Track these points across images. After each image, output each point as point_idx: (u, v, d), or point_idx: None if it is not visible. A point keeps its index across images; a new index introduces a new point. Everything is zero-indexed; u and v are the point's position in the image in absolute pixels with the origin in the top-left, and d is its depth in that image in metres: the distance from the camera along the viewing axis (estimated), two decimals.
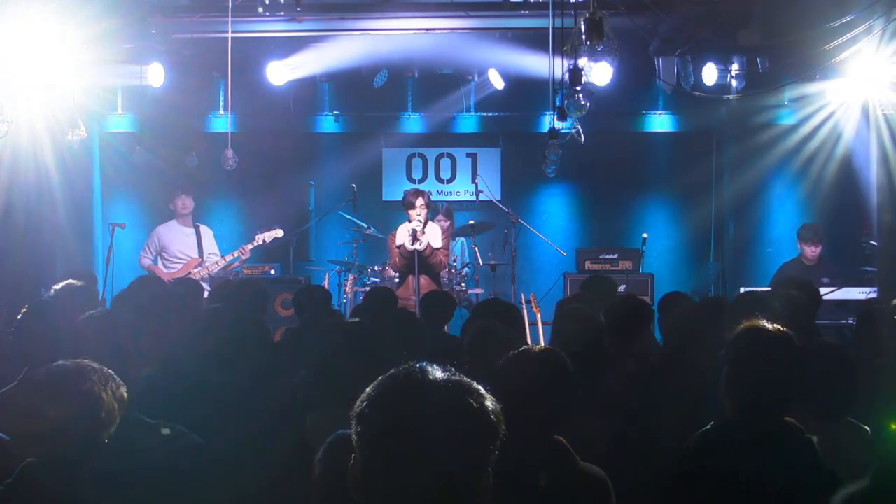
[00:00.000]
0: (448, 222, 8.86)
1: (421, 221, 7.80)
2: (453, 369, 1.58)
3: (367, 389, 1.56)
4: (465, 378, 1.57)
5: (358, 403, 1.55)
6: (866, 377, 4.06)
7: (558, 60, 6.77)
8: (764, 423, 2.55)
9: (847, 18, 6.23)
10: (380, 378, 1.57)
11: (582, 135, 7.33)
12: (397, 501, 1.50)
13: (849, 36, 6.48)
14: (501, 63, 9.55)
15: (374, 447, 1.52)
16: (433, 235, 7.98)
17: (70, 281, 4.87)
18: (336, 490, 1.97)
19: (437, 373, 1.56)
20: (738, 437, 2.55)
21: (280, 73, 9.35)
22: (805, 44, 6.61)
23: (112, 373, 2.48)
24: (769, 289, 6.15)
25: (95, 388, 2.39)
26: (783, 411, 2.58)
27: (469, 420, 1.52)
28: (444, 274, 8.38)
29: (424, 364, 1.57)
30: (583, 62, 6.39)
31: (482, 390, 1.57)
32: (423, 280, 7.81)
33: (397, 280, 8.51)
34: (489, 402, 1.55)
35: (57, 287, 4.69)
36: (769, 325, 2.67)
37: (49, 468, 2.28)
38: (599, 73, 8.10)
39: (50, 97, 8.07)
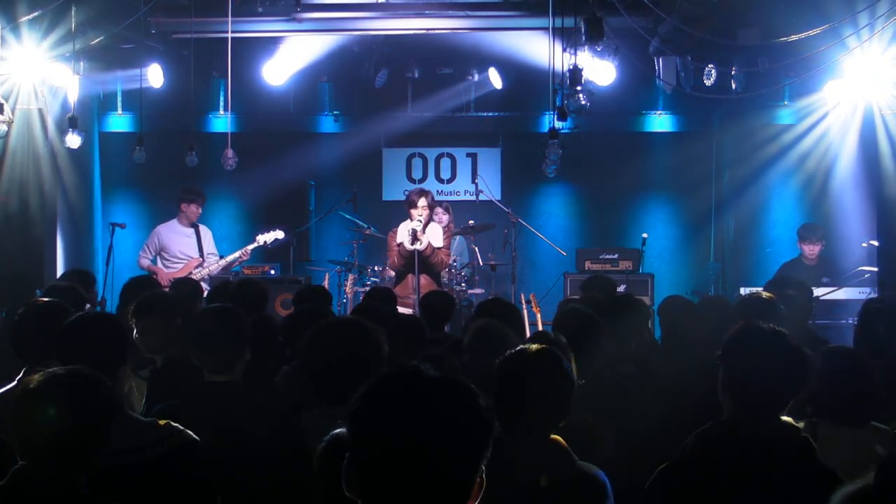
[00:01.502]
0: (448, 216, 8.85)
1: (422, 221, 7.78)
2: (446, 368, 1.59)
3: (362, 388, 1.57)
4: (457, 377, 1.59)
5: (352, 402, 1.56)
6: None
7: (558, 60, 6.77)
8: (759, 421, 2.55)
9: (847, 18, 6.22)
10: (373, 377, 1.58)
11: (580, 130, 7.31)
12: (391, 500, 1.51)
13: (849, 35, 6.47)
14: (502, 62, 9.57)
15: (368, 446, 1.52)
16: (434, 235, 7.96)
17: (56, 283, 4.86)
18: (337, 487, 1.99)
19: (430, 372, 1.57)
20: (735, 436, 2.55)
21: (279, 72, 9.35)
22: (805, 44, 6.59)
23: (105, 378, 2.47)
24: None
25: (88, 395, 2.37)
26: (779, 410, 2.58)
27: (462, 418, 1.53)
28: (444, 274, 8.37)
29: (417, 363, 1.58)
30: (583, 62, 6.39)
31: (474, 388, 1.58)
32: (423, 279, 7.79)
33: (395, 278, 8.51)
34: (481, 401, 1.57)
35: (44, 289, 4.68)
36: (764, 324, 2.68)
37: (41, 473, 2.28)
38: (602, 72, 8.11)
39: (50, 97, 8.09)
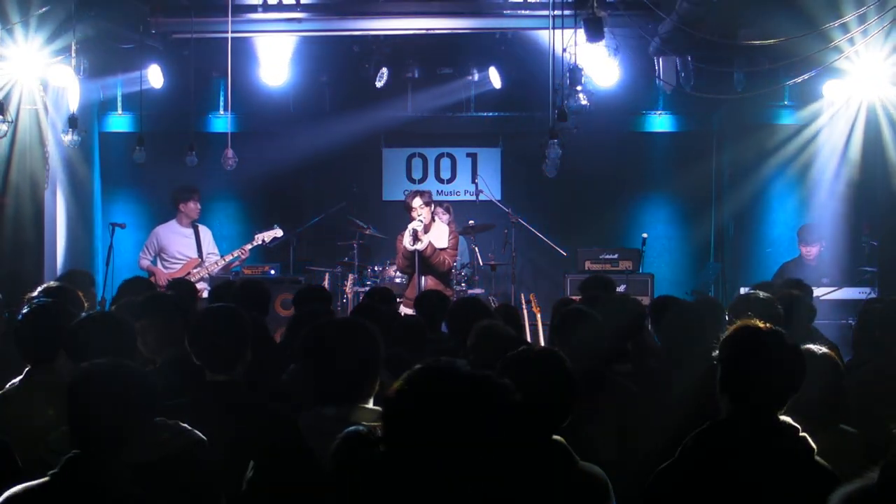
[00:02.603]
0: (447, 216, 8.85)
1: (422, 221, 7.78)
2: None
3: (398, 384, 1.59)
4: (490, 374, 1.62)
5: (389, 398, 1.57)
6: (867, 376, 4.07)
7: (558, 60, 6.78)
8: (758, 421, 2.55)
9: (847, 18, 6.23)
10: (408, 373, 1.59)
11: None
12: (427, 495, 1.51)
13: (849, 35, 6.48)
14: (502, 62, 9.57)
15: (404, 441, 1.53)
16: (439, 236, 7.95)
17: (50, 283, 4.84)
18: (351, 483, 2.03)
19: (465, 368, 1.60)
20: (733, 436, 2.55)
21: (278, 72, 9.34)
22: (805, 43, 6.60)
23: (149, 371, 2.54)
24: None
25: (136, 386, 2.48)
26: (777, 409, 2.58)
27: (496, 414, 1.56)
28: None
29: (451, 360, 1.61)
30: (585, 63, 6.41)
31: (509, 385, 1.61)
32: (430, 280, 7.79)
33: (399, 280, 8.51)
34: (517, 397, 1.60)
35: (40, 289, 4.65)
36: (761, 324, 2.68)
37: (92, 461, 2.36)
38: (605, 74, 8.12)
39: (50, 97, 8.10)
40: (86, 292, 5.23)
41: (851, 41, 6.57)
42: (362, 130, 10.35)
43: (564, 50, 6.60)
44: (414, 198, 7.89)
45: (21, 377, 3.48)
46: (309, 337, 2.94)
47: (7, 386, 3.52)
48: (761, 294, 4.70)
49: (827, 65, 7.19)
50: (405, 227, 7.90)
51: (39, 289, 4.61)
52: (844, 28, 6.40)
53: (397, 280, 8.56)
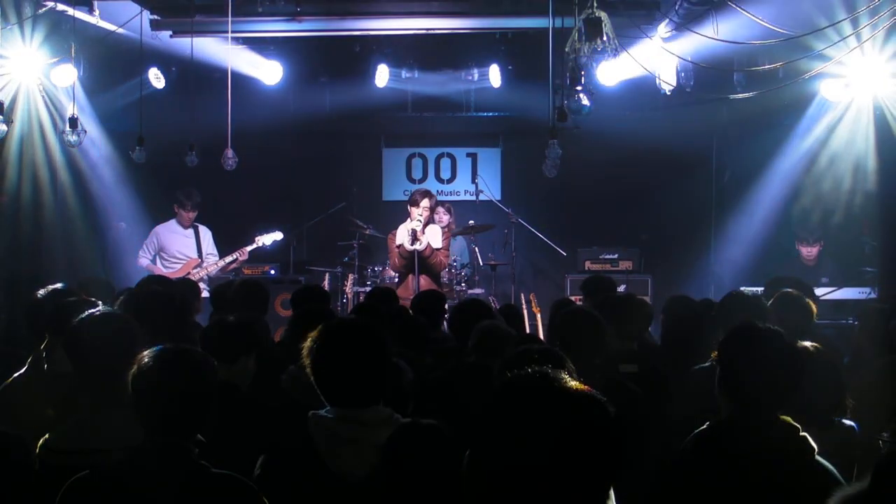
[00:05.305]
0: (448, 216, 8.85)
1: (421, 221, 7.79)
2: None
3: (493, 393, 1.54)
4: (589, 390, 1.56)
5: (485, 408, 1.52)
6: (868, 377, 4.07)
7: (558, 60, 6.77)
8: (758, 421, 2.55)
9: (849, 17, 6.22)
10: (501, 382, 1.55)
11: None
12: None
13: (850, 35, 6.47)
14: (502, 61, 9.57)
15: (497, 456, 1.48)
16: (433, 236, 7.96)
17: (57, 286, 4.84)
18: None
19: (561, 381, 1.54)
20: (733, 436, 2.55)
21: (279, 72, 9.34)
22: (806, 43, 6.60)
23: (210, 357, 2.69)
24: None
25: (200, 371, 2.55)
26: (777, 409, 2.58)
27: (596, 433, 1.51)
28: (443, 274, 8.37)
29: (547, 369, 1.56)
30: (587, 63, 6.40)
31: (605, 401, 1.55)
32: (424, 280, 7.80)
33: (397, 280, 8.51)
34: (613, 414, 1.54)
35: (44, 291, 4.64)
36: (760, 324, 2.68)
37: (158, 443, 2.43)
38: (607, 73, 8.13)
39: (51, 97, 8.10)
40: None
41: (854, 39, 6.56)
42: (362, 130, 10.35)
43: (565, 51, 6.59)
44: (423, 198, 7.89)
45: (22, 371, 3.47)
46: (319, 338, 2.94)
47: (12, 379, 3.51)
48: (748, 292, 4.69)
49: (828, 64, 7.18)
50: (397, 227, 7.93)
51: (43, 290, 4.59)
52: (847, 27, 6.39)
53: (397, 280, 8.57)
